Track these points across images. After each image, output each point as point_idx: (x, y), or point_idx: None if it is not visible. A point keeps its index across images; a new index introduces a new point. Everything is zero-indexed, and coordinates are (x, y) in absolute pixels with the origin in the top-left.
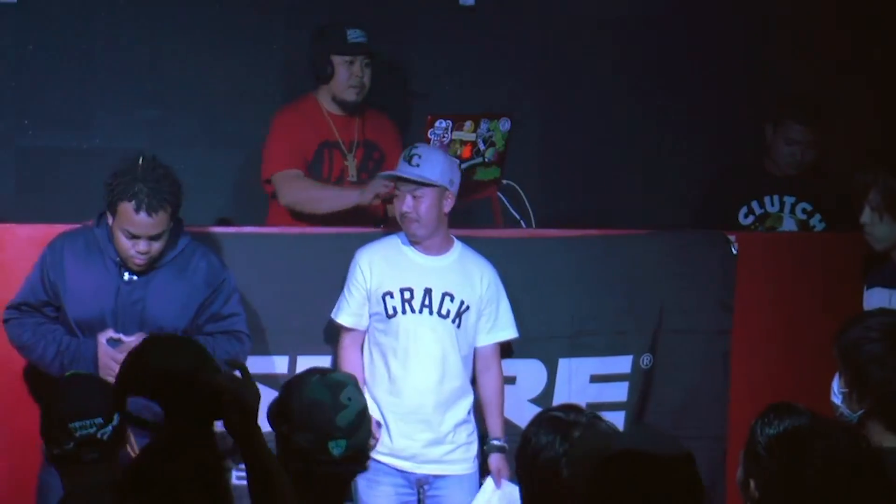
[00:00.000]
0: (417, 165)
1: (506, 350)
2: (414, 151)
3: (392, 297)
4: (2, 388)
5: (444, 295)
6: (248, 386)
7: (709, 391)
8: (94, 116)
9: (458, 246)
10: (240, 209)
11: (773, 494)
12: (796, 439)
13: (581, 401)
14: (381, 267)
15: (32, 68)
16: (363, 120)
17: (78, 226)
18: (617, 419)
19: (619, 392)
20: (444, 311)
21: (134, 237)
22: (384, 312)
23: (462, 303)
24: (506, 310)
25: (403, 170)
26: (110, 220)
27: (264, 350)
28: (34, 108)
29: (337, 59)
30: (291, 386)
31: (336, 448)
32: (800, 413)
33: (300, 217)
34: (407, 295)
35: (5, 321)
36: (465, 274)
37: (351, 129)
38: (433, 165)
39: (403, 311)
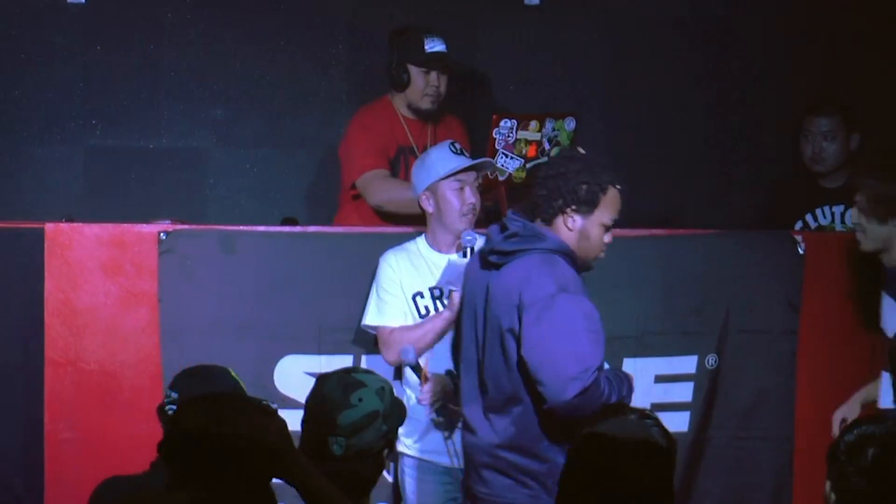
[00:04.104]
0: (469, 156)
1: None
2: (457, 144)
3: (423, 297)
4: (72, 386)
5: None
6: (269, 426)
7: (775, 392)
8: (161, 116)
9: (478, 239)
10: (305, 208)
11: (841, 498)
12: (859, 444)
13: (646, 401)
14: (408, 269)
15: (100, 69)
16: (435, 124)
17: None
18: (682, 419)
19: (685, 392)
20: None
21: (608, 228)
22: (416, 313)
23: None
24: None
25: (466, 160)
26: (578, 220)
27: (330, 349)
28: (102, 108)
29: (413, 68)
30: (317, 380)
31: (335, 446)
32: (882, 422)
33: (386, 217)
34: (437, 293)
35: (593, 383)
36: None
37: (424, 134)
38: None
39: (436, 309)
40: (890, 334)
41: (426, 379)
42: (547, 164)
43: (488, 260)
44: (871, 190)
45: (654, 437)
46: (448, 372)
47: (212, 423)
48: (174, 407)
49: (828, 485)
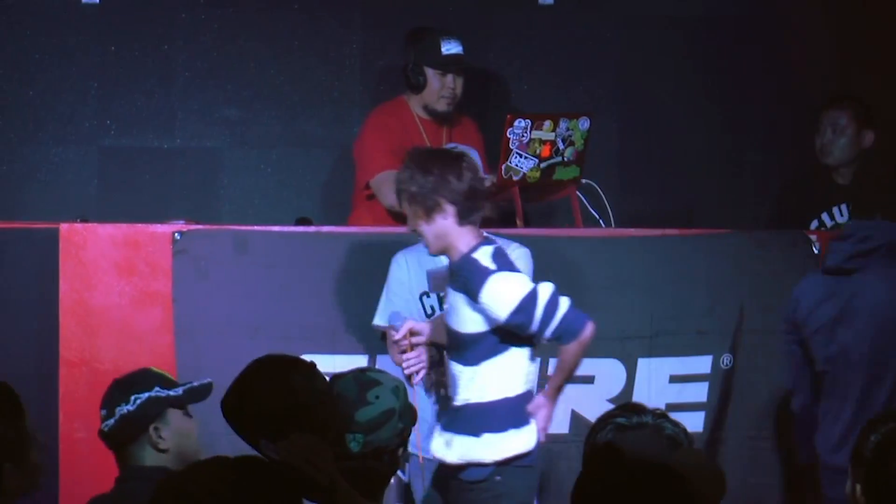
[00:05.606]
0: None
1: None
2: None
3: (429, 296)
4: (87, 386)
5: None
6: (318, 462)
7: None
8: (175, 116)
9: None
10: (319, 209)
11: (872, 497)
12: (887, 443)
13: (660, 401)
14: (416, 269)
15: (114, 69)
16: (450, 125)
17: None
18: (697, 419)
19: (699, 392)
20: None
21: None
22: (423, 312)
23: None
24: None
25: None
26: None
27: (344, 349)
28: (116, 108)
29: (430, 70)
30: (331, 379)
31: (353, 442)
32: None
33: (399, 217)
34: (443, 294)
35: None
36: None
37: (439, 135)
38: None
39: (441, 309)
40: (457, 328)
41: (411, 347)
42: None
43: (841, 269)
44: (407, 193)
45: (671, 461)
46: (432, 345)
47: (267, 449)
48: (109, 423)
49: (856, 487)
